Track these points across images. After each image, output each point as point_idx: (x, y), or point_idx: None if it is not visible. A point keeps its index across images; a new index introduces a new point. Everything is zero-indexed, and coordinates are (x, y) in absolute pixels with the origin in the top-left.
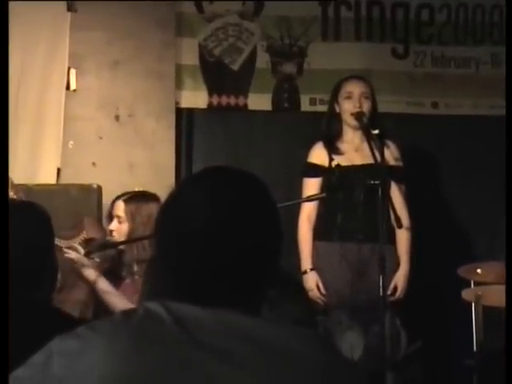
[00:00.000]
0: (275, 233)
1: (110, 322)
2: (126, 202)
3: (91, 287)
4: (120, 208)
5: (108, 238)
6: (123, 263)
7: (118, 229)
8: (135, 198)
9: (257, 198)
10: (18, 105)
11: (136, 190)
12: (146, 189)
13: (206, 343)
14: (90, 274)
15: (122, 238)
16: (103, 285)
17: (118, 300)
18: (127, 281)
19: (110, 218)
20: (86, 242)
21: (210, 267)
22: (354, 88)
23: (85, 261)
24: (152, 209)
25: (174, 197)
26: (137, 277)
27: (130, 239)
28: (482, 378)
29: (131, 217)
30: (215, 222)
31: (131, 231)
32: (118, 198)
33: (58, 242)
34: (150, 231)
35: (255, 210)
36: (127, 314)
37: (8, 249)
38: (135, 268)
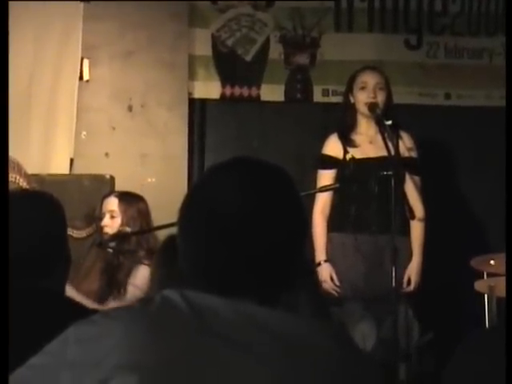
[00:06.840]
0: (300, 225)
1: (127, 310)
2: (118, 197)
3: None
4: (113, 203)
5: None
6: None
7: (110, 224)
8: (126, 196)
9: (283, 190)
10: (31, 95)
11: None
12: (158, 179)
13: (223, 333)
14: None
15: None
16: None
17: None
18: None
19: (100, 215)
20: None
21: (234, 258)
22: (369, 78)
23: None
24: (140, 206)
25: (200, 186)
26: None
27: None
28: None
29: (124, 211)
30: (242, 213)
31: (123, 225)
32: (107, 196)
33: (70, 232)
34: (138, 226)
35: (282, 201)
36: (144, 301)
37: (8, 238)
38: (122, 259)
